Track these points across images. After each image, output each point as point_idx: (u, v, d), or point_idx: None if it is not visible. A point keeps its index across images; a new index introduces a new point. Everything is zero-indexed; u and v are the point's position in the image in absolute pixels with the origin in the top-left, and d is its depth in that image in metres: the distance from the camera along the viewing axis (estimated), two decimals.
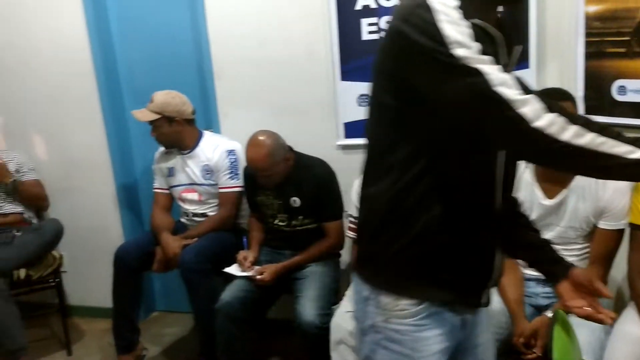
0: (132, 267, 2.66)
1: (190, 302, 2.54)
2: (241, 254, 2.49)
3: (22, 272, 2.83)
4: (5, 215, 2.95)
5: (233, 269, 2.45)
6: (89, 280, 3.28)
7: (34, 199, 3.02)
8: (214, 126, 2.90)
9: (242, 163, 2.61)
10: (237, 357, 2.36)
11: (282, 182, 2.40)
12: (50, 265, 2.95)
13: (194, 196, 2.74)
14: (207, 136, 2.73)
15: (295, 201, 2.41)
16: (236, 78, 2.78)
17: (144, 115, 2.60)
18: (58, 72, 3.05)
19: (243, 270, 2.42)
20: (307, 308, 2.18)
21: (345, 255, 2.59)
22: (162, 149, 2.78)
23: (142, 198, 3.21)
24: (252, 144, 2.32)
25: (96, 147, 3.09)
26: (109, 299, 2.96)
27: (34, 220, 3.06)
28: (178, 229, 2.75)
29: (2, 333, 2.64)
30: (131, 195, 3.21)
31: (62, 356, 3.00)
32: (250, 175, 2.49)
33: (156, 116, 2.58)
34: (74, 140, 3.14)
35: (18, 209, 2.98)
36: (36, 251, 2.85)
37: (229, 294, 2.34)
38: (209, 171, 2.67)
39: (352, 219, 2.33)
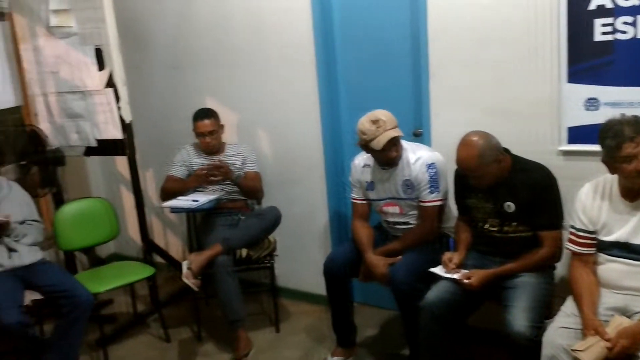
0: (340, 276, 2.78)
1: (401, 316, 2.63)
2: (446, 255, 2.47)
3: (244, 252, 3.15)
4: (234, 200, 3.32)
5: (438, 270, 2.44)
6: (297, 265, 3.52)
7: (251, 190, 3.32)
8: (424, 126, 2.92)
9: (443, 175, 2.60)
10: (440, 358, 2.35)
11: (495, 185, 2.32)
12: (267, 248, 3.24)
13: (395, 209, 2.75)
14: (408, 149, 2.68)
15: (510, 206, 2.32)
16: (451, 77, 2.76)
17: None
18: (283, 71, 3.31)
19: (448, 272, 2.40)
20: (519, 318, 2.08)
21: (561, 269, 2.42)
22: (358, 161, 2.80)
23: (348, 194, 3.35)
24: (463, 143, 2.28)
25: (312, 143, 3.31)
26: (315, 285, 3.16)
27: (255, 207, 3.40)
28: (378, 235, 2.80)
29: (225, 304, 2.97)
30: (339, 192, 3.36)
31: (270, 332, 3.28)
32: (461, 176, 2.46)
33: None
34: (293, 137, 3.39)
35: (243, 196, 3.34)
36: (257, 234, 3.15)
37: (434, 293, 2.34)
38: (409, 186, 2.65)
39: (574, 231, 2.17)
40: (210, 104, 3.51)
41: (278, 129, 3.45)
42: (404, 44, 2.96)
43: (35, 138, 3.45)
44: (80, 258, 3.75)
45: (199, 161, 3.32)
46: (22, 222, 3.01)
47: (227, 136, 3.44)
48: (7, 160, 3.29)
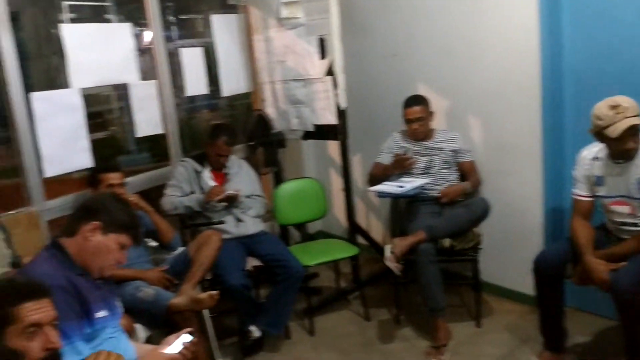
0: (552, 276, 2.62)
1: (622, 327, 2.40)
2: None
3: (447, 242, 3.12)
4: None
5: None
6: (503, 261, 3.38)
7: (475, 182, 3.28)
8: None
9: None
10: None
11: None
12: (471, 240, 3.17)
13: (624, 209, 2.49)
14: None
15: None
16: None
17: None
18: (503, 61, 3.18)
19: None
20: None
21: None
22: (586, 153, 2.58)
23: (567, 190, 3.11)
24: None
25: (529, 135, 3.14)
26: (521, 284, 3.00)
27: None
28: (600, 236, 2.58)
29: (426, 291, 2.99)
30: (556, 186, 3.14)
31: (471, 326, 3.21)
32: None
33: None
34: (508, 126, 3.25)
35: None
36: (463, 225, 3.09)
37: None
38: None
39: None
40: (422, 90, 3.52)
41: (492, 117, 3.34)
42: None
43: (263, 122, 3.82)
44: (293, 232, 4.08)
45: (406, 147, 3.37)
46: (248, 196, 3.38)
47: (437, 123, 3.43)
48: (239, 140, 3.69)
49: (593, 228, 2.59)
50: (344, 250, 3.53)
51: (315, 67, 3.52)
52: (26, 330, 1.32)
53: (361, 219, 4.20)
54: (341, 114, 3.50)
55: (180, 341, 1.81)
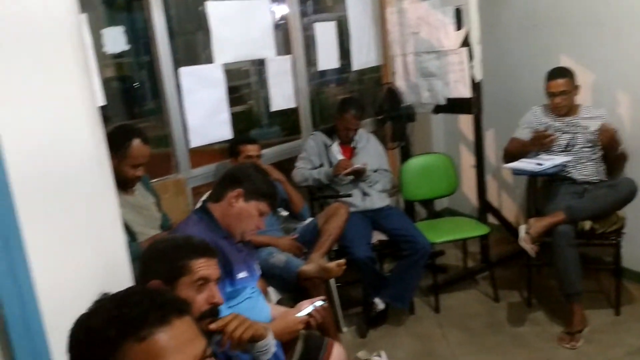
0: None
1: None
2: None
3: (587, 224, 2.93)
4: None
5: None
6: None
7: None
8: None
9: None
10: None
11: None
12: (614, 223, 2.95)
13: None
14: None
15: None
16: None
17: None
18: None
19: None
20: None
21: None
22: None
23: None
24: None
25: None
26: None
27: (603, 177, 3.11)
28: None
29: (562, 275, 2.83)
30: None
31: (609, 314, 3.02)
32: None
33: None
34: None
35: None
36: (606, 207, 2.89)
37: None
38: None
39: None
40: (564, 63, 3.29)
41: None
42: None
43: (392, 95, 3.79)
44: (418, 209, 4.04)
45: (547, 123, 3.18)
46: (375, 170, 3.40)
47: (582, 99, 3.19)
48: (367, 114, 3.70)
49: None
50: (473, 229, 3.44)
51: (450, 38, 3.41)
52: (196, 283, 1.45)
53: (492, 197, 4.06)
54: (476, 86, 3.37)
55: (312, 306, 1.88)
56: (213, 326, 1.44)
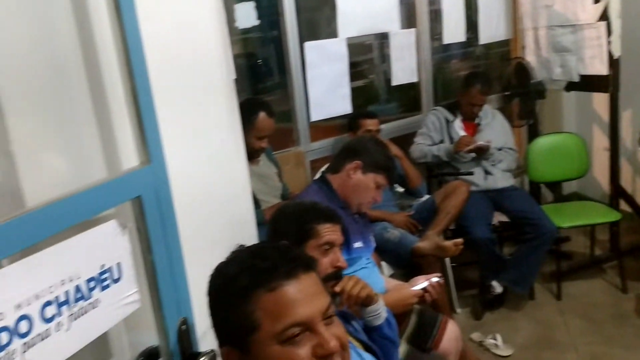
0: None
1: None
2: None
3: None
4: None
5: None
6: None
7: None
8: None
9: None
10: None
11: None
12: None
13: None
14: None
15: None
16: None
17: None
18: None
19: None
20: None
21: None
22: None
23: None
24: None
25: None
26: None
27: None
28: None
29: None
30: None
31: None
32: None
33: None
34: None
35: None
36: None
37: None
38: None
39: None
40: None
41: None
42: None
43: (521, 70, 3.61)
44: (544, 191, 3.85)
45: None
46: (499, 149, 3.27)
47: None
48: (493, 90, 3.56)
49: None
50: (603, 215, 3.23)
51: (587, 11, 3.17)
52: (322, 247, 1.52)
53: (626, 182, 3.75)
54: (614, 63, 3.12)
55: (427, 281, 1.88)
56: (337, 288, 1.49)
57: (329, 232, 1.53)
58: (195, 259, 1.03)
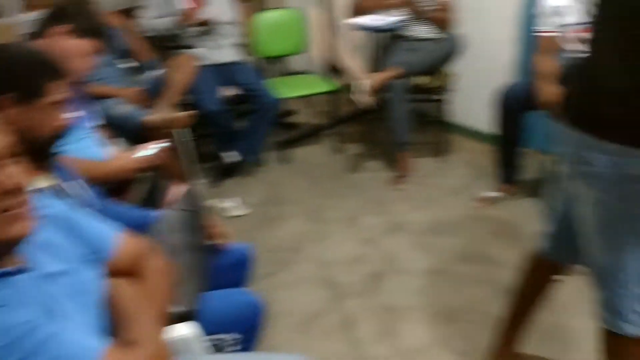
0: (514, 108, 2.71)
1: None
2: None
3: (419, 80, 3.18)
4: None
5: None
6: (473, 103, 3.45)
7: (440, 22, 3.17)
8: None
9: None
10: None
11: None
12: (442, 80, 3.23)
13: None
14: None
15: None
16: None
17: None
18: None
19: None
20: None
21: None
22: None
23: None
24: None
25: None
26: (486, 124, 3.12)
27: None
28: None
29: (394, 126, 3.11)
30: (531, 24, 3.10)
31: (435, 161, 3.41)
32: None
33: None
34: None
35: None
36: (436, 60, 3.14)
37: None
38: None
39: None
40: None
41: None
42: None
43: None
44: (271, 67, 4.06)
45: None
46: (227, 23, 3.31)
47: None
48: None
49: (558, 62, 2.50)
50: (321, 86, 3.58)
51: None
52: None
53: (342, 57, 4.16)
54: None
55: (156, 146, 1.91)
56: None
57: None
58: None
